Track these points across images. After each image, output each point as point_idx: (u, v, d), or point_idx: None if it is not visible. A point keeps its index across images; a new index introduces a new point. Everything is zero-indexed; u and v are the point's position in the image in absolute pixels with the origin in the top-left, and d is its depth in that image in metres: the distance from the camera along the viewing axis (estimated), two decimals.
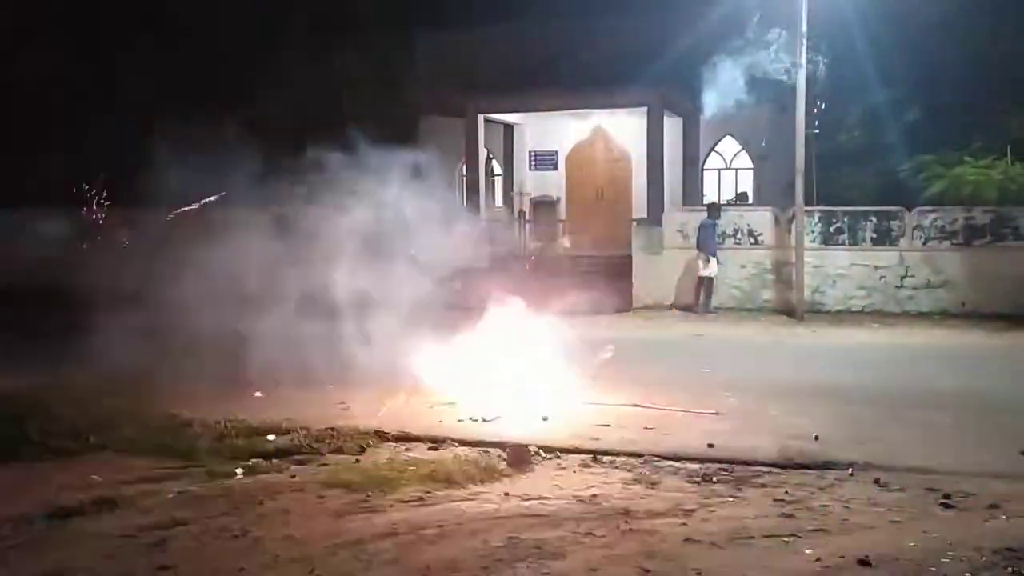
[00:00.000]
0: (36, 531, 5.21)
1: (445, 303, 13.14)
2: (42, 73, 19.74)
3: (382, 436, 7.28)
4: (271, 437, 7.19)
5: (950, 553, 4.63)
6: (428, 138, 21.11)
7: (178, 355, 9.05)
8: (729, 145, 21.22)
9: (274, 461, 6.57)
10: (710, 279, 15.36)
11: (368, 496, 5.68)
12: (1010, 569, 4.44)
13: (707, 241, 15.29)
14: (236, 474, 6.22)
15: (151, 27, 20.35)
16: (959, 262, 14.88)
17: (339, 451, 6.86)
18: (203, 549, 4.84)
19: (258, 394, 8.74)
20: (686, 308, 15.58)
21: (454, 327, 9.42)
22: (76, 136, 19.28)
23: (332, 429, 7.36)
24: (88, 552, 4.85)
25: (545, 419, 7.73)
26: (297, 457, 6.69)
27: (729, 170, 21.38)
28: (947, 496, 5.69)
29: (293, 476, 6.21)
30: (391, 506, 5.50)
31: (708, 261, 15.27)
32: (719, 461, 6.57)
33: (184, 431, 7.40)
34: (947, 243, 14.97)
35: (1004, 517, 5.31)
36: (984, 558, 4.57)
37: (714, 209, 15.86)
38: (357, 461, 6.60)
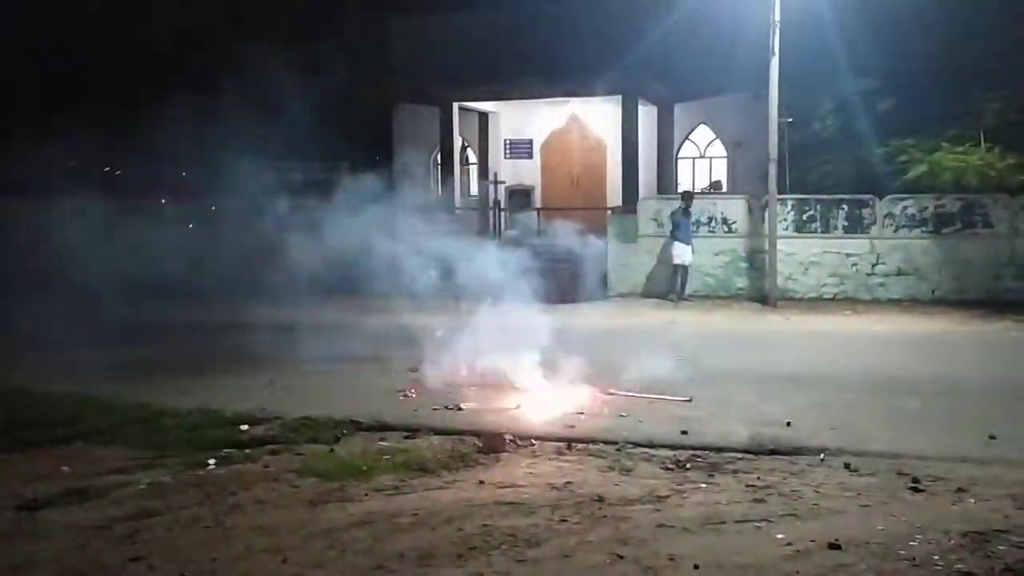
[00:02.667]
0: (5, 523, 5.14)
1: (419, 291, 13.20)
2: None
3: (357, 425, 7.26)
4: (245, 427, 7.14)
5: (918, 536, 4.69)
6: (402, 126, 21.05)
7: None
8: (703, 133, 21.30)
9: (248, 451, 6.53)
10: (684, 267, 15.43)
11: (342, 485, 5.66)
12: (978, 552, 4.50)
13: (681, 229, 15.36)
14: (209, 464, 6.17)
15: (120, 11, 20.07)
16: (929, 250, 15.07)
17: (314, 440, 6.82)
18: (175, 540, 4.80)
19: None
20: (660, 296, 15.65)
21: (426, 315, 9.44)
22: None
23: (307, 418, 7.33)
24: (58, 543, 4.79)
25: (518, 407, 7.74)
26: (271, 447, 6.65)
27: (703, 158, 21.47)
28: (916, 480, 5.76)
29: (267, 466, 6.17)
30: (366, 495, 5.49)
31: (682, 249, 15.34)
32: (692, 448, 6.62)
33: (157, 421, 7.34)
34: (917, 231, 15.15)
35: (972, 500, 5.38)
36: (952, 541, 4.63)
37: (688, 197, 15.93)
38: (332, 450, 6.56)
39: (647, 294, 15.96)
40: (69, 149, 18.54)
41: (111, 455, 6.48)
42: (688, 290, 15.55)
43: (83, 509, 5.33)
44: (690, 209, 15.56)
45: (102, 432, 7.01)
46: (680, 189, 19.49)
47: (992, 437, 6.78)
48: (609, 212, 17.65)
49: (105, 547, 4.74)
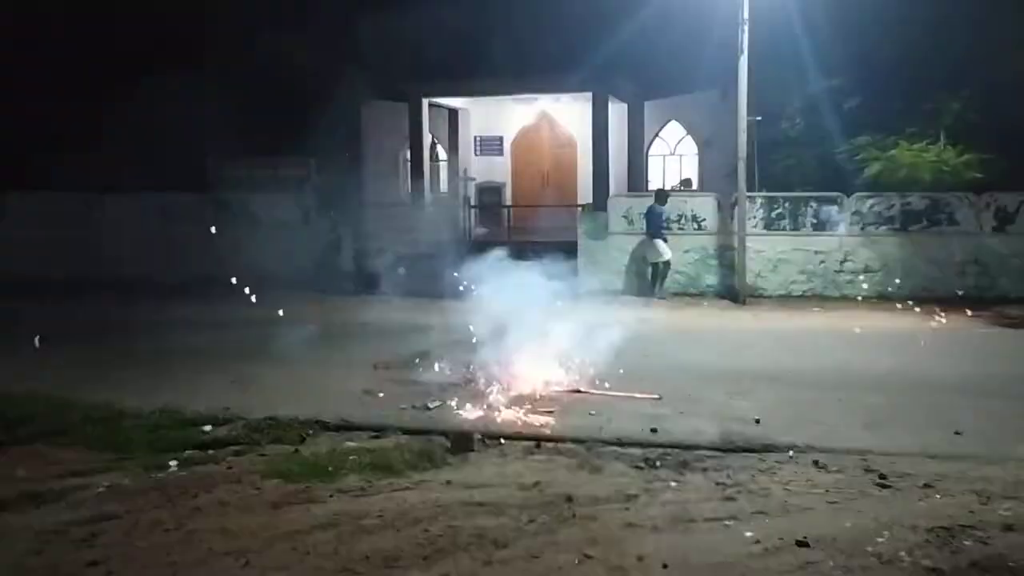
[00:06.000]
0: None
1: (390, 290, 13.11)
2: None
3: (323, 425, 7.15)
4: (207, 428, 7.01)
5: (885, 532, 4.71)
6: (372, 123, 20.89)
7: None
8: (673, 131, 21.37)
9: (210, 452, 6.40)
10: (662, 264, 15.45)
11: (307, 487, 5.57)
12: (944, 548, 4.52)
13: (655, 226, 15.37)
14: (170, 466, 6.04)
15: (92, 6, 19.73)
16: (896, 247, 15.21)
17: (278, 441, 6.71)
18: (134, 543, 4.69)
19: None
20: (631, 292, 15.67)
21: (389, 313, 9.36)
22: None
23: (271, 419, 7.20)
24: (14, 548, 4.68)
25: (488, 406, 7.68)
26: (234, 448, 6.53)
27: (673, 156, 21.54)
28: (883, 476, 5.79)
29: (230, 467, 6.05)
30: (331, 496, 5.40)
31: (663, 246, 15.34)
32: (662, 446, 6.60)
33: (117, 422, 7.18)
34: (884, 228, 15.29)
35: (938, 496, 5.41)
36: (918, 537, 4.65)
37: (662, 195, 15.97)
38: (296, 451, 6.46)
39: (617, 291, 15.96)
40: (36, 139, 18.27)
41: (69, 457, 6.33)
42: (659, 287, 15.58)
43: (40, 512, 5.20)
44: (663, 207, 15.59)
45: (60, 433, 6.84)
46: (651, 187, 19.55)
47: (958, 433, 6.84)
48: (579, 209, 17.64)
49: (62, 551, 4.62)
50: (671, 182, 20.95)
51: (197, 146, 18.20)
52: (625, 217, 16.26)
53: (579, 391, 8.18)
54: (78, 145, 17.62)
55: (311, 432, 6.95)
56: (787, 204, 15.64)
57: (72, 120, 18.35)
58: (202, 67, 18.60)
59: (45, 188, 18.13)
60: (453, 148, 21.66)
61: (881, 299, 14.91)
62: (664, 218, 15.64)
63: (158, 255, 17.52)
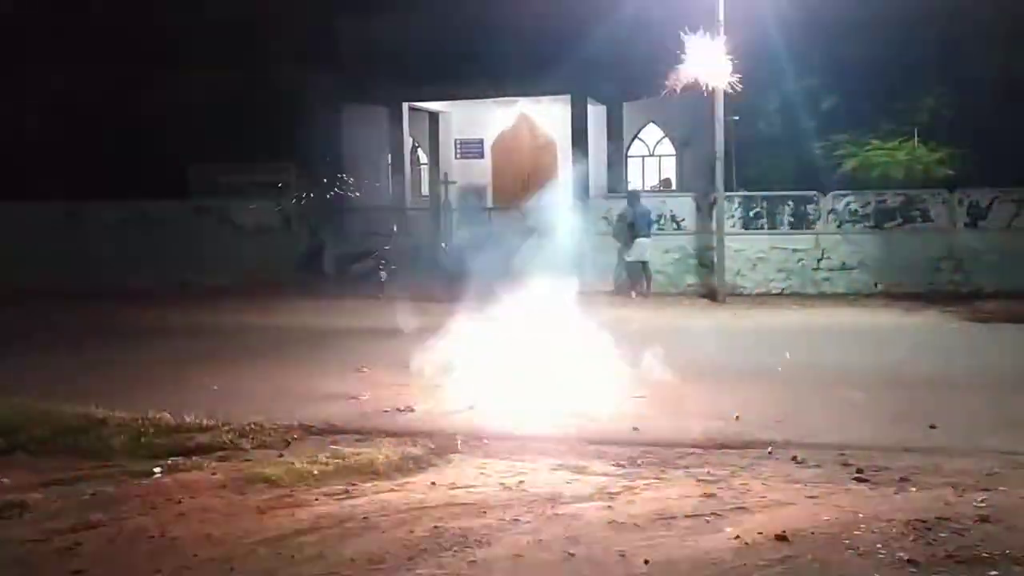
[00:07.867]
0: None
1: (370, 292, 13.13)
2: None
3: (307, 429, 7.17)
4: (191, 434, 7.00)
5: (862, 526, 4.77)
6: (352, 127, 20.88)
7: None
8: (652, 132, 21.48)
9: (194, 459, 6.38)
10: (646, 262, 15.55)
11: (292, 491, 5.57)
12: (920, 540, 4.59)
13: (645, 226, 15.43)
14: (154, 473, 6.02)
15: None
16: (872, 244, 15.40)
17: (263, 446, 6.70)
18: (118, 551, 4.67)
19: None
20: (621, 293, 15.75)
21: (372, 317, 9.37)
22: None
23: (256, 424, 7.19)
24: None
25: (471, 407, 7.73)
26: (219, 454, 6.49)
27: (652, 157, 21.66)
28: (860, 471, 5.87)
29: (214, 473, 6.03)
30: (315, 500, 5.41)
31: (645, 244, 15.43)
32: (644, 444, 6.66)
33: (100, 430, 7.15)
34: (860, 226, 15.48)
35: (914, 489, 5.50)
36: (895, 529, 4.72)
37: (634, 195, 16.10)
38: (281, 456, 6.46)
39: (598, 291, 16.00)
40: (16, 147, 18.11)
41: (53, 466, 6.28)
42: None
43: (22, 522, 5.16)
44: (641, 205, 15.68)
45: (43, 442, 6.80)
46: (630, 188, 19.65)
47: (933, 427, 6.95)
48: None
49: (45, 560, 4.60)
50: (650, 183, 21.07)
51: (177, 152, 18.13)
52: (605, 218, 16.34)
53: (560, 390, 8.23)
54: (59, 153, 17.52)
55: (296, 436, 6.95)
56: (764, 203, 15.79)
57: (53, 128, 18.24)
58: (182, 73, 18.53)
59: (26, 196, 18.00)
60: (434, 151, 21.69)
61: (858, 296, 15.09)
62: (655, 216, 15.66)
63: (139, 262, 17.42)
